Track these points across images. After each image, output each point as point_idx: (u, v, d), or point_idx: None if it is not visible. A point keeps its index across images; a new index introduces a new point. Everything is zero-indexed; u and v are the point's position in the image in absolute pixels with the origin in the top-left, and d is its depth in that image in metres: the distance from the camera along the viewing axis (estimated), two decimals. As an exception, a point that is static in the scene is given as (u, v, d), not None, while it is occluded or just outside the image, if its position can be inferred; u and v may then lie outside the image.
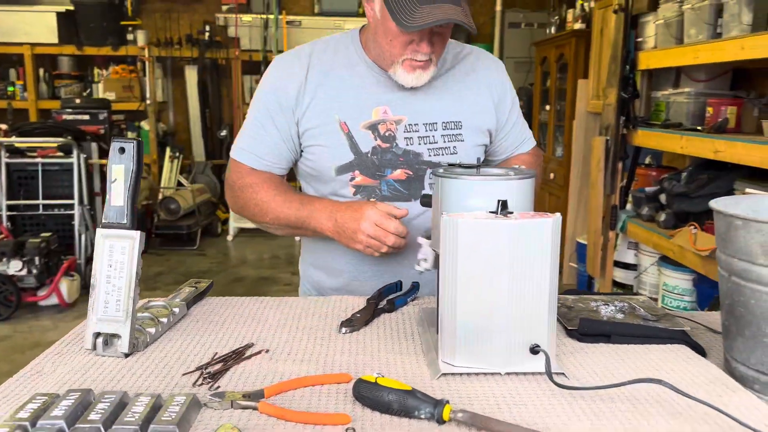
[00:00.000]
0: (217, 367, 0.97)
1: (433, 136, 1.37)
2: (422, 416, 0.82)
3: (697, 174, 2.89)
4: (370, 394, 0.84)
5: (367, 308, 1.19)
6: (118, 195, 1.00)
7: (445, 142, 1.38)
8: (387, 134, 1.35)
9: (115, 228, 1.00)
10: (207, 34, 6.10)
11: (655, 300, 2.93)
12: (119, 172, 1.00)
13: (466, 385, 0.92)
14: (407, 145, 1.36)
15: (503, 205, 0.94)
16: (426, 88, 1.35)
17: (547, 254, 0.92)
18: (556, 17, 5.31)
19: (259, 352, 1.03)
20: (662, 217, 2.95)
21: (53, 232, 4.23)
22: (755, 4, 2.45)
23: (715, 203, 0.98)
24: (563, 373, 0.94)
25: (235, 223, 5.94)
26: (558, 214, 0.93)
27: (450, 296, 0.94)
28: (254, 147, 1.37)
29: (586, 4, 4.70)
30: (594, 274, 3.56)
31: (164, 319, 1.11)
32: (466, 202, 0.99)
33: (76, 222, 4.39)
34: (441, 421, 0.81)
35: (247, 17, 6.03)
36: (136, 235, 1.00)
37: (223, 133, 6.25)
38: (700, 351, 1.06)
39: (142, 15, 6.36)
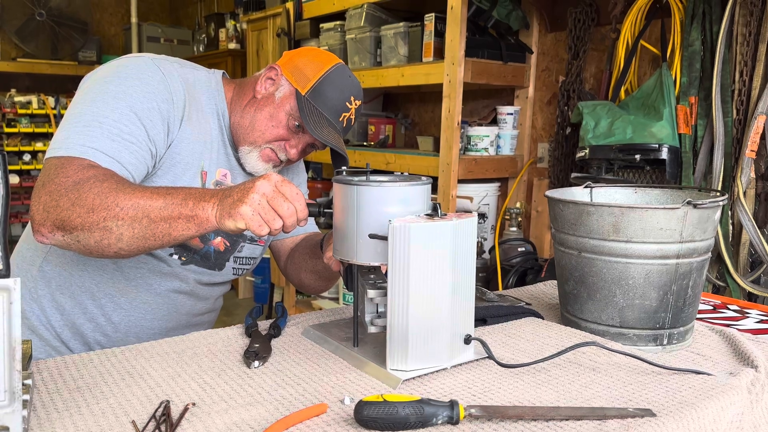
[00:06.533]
0: (157, 436, 0.77)
1: None
2: (439, 422, 0.81)
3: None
4: (381, 414, 0.79)
5: (258, 337, 1.07)
6: (-15, 230, 0.70)
7: None
8: None
9: (-16, 277, 0.69)
10: None
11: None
12: (-18, 197, 0.70)
13: (429, 386, 0.93)
14: None
15: (437, 207, 0.99)
16: None
17: (472, 247, 1.00)
18: (203, 35, 5.30)
19: (186, 408, 0.84)
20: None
21: None
22: (409, 39, 2.94)
23: (559, 194, 1.20)
24: (487, 357, 1.03)
25: None
26: (475, 213, 1.02)
27: (401, 304, 0.94)
28: (118, 153, 1.06)
29: (238, 25, 4.83)
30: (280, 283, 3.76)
31: (26, 396, 0.80)
32: (386, 208, 1.00)
33: None
34: (456, 422, 0.81)
35: None
36: (15, 284, 0.71)
37: None
38: (541, 318, 1.29)
39: None
